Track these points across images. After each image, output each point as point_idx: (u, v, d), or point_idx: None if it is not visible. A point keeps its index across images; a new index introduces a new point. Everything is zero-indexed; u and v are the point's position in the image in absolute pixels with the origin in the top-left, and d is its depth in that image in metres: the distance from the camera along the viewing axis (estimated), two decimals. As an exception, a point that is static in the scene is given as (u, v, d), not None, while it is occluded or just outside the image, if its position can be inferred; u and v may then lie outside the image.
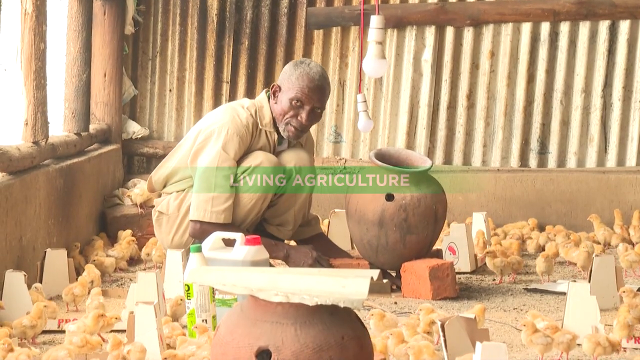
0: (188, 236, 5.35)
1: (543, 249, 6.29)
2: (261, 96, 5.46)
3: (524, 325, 3.95)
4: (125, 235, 6.14)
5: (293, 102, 5.32)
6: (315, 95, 5.35)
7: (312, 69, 5.35)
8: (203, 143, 5.29)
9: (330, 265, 5.30)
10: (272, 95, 5.38)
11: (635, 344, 4.17)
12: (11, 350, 3.68)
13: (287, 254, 5.30)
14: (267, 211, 5.46)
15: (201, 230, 5.19)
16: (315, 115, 5.39)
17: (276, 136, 5.40)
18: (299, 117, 5.34)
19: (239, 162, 5.27)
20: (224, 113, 5.36)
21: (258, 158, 5.27)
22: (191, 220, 5.28)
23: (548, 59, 7.53)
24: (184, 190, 5.42)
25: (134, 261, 6.07)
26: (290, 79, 5.33)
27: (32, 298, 4.45)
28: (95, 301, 4.46)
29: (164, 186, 5.54)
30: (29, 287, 4.53)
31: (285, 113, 5.35)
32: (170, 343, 3.99)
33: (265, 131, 5.38)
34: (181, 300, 4.52)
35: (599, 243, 6.51)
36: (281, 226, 5.53)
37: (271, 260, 5.01)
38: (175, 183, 5.47)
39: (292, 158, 5.42)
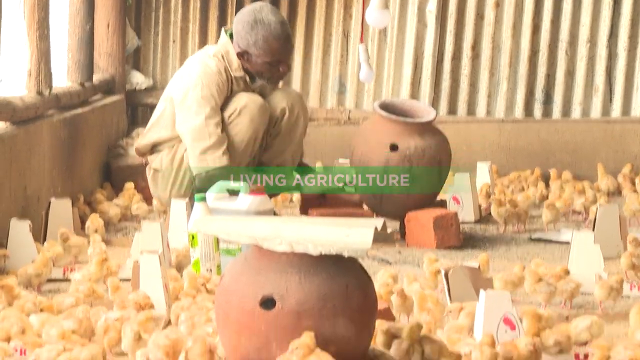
0: (185, 189, 5.35)
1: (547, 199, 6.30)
2: (223, 39, 5.40)
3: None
4: (129, 187, 6.13)
5: (269, 64, 5.32)
6: (287, 49, 5.39)
7: (272, 26, 5.28)
8: (182, 102, 5.25)
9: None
10: (241, 58, 5.31)
11: (639, 291, 4.18)
12: (17, 296, 3.71)
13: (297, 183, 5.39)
14: (264, 154, 5.47)
15: (207, 178, 5.15)
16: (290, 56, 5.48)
17: (247, 77, 5.38)
18: (280, 70, 5.36)
19: (222, 107, 5.25)
20: (193, 67, 5.33)
21: (242, 100, 5.26)
22: (195, 175, 5.26)
23: (553, 9, 7.48)
24: (173, 146, 5.41)
25: (138, 211, 6.07)
26: (256, 44, 5.27)
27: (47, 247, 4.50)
28: (97, 249, 4.48)
29: (152, 149, 5.51)
30: (34, 236, 4.54)
31: (264, 71, 5.35)
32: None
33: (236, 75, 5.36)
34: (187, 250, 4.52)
35: (599, 190, 6.54)
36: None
37: (276, 210, 5.00)
38: (165, 143, 5.45)
39: (283, 97, 5.45)
